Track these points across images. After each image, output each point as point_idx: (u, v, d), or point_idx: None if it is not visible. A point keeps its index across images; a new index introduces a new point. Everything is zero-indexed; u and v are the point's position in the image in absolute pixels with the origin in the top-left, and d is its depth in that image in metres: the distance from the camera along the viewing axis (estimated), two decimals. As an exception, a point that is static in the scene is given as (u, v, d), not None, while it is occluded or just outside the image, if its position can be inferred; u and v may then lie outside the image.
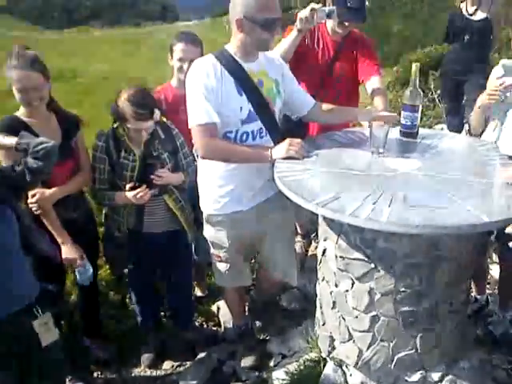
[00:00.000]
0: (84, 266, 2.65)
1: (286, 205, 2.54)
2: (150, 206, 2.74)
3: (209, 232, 2.68)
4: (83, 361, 3.02)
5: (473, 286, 2.93)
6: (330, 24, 2.97)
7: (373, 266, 2.22)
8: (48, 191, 2.53)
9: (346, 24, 2.90)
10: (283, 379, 2.66)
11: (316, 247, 3.31)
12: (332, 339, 2.55)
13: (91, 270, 2.69)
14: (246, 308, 3.21)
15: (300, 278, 3.30)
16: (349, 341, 2.44)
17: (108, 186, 2.69)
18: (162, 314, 3.33)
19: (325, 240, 2.47)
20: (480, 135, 2.75)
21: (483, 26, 4.41)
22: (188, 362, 3.11)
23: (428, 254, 2.17)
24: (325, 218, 2.37)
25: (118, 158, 2.64)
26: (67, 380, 2.75)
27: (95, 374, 3.07)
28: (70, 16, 38.35)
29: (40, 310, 2.08)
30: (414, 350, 2.32)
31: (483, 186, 2.13)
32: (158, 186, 2.69)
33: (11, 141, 2.17)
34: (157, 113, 2.58)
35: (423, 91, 3.11)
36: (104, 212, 2.92)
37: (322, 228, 2.50)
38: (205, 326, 3.43)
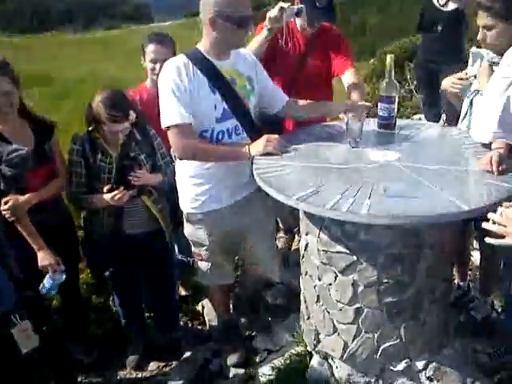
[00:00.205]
0: (60, 274, 2.60)
1: (265, 201, 2.55)
2: (129, 208, 2.71)
3: (189, 231, 2.67)
4: (67, 365, 2.99)
5: (455, 273, 2.97)
6: (300, 22, 2.96)
7: (355, 258, 2.22)
8: (22, 198, 2.49)
9: (316, 24, 2.91)
10: (270, 375, 2.66)
11: (299, 241, 3.32)
12: (317, 333, 2.56)
13: (64, 279, 2.63)
14: (231, 305, 3.20)
15: (284, 273, 3.31)
16: (334, 334, 2.45)
17: (85, 190, 2.66)
18: (147, 314, 3.30)
19: (307, 234, 2.47)
20: (456, 123, 2.78)
21: (455, 16, 4.44)
22: (174, 362, 3.09)
23: (409, 244, 2.19)
24: (306, 213, 2.37)
25: (94, 161, 2.61)
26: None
27: (79, 379, 3.03)
28: (42, 20, 37.68)
29: (18, 318, 2.04)
30: (398, 340, 2.34)
31: (461, 175, 2.15)
32: (136, 187, 2.66)
33: None
34: (132, 114, 2.56)
35: (399, 82, 3.13)
36: (82, 216, 2.88)
37: (304, 222, 2.50)
38: (190, 325, 3.42)
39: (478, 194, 2.00)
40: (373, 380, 2.41)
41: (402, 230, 2.14)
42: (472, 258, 3.16)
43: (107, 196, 2.58)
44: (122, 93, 2.62)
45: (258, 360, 2.87)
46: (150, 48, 2.96)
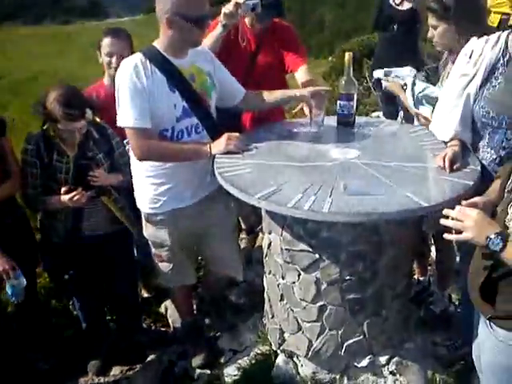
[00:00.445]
0: (17, 278, 2.49)
1: (227, 199, 2.54)
2: (89, 209, 2.65)
3: (149, 231, 2.63)
4: (25, 373, 2.89)
5: (415, 268, 3.03)
6: (249, 19, 2.93)
7: (317, 256, 2.24)
8: None
9: (265, 20, 2.88)
10: (235, 375, 2.66)
11: (262, 239, 3.32)
12: (281, 331, 2.56)
13: (25, 282, 2.53)
14: (194, 306, 3.17)
15: (247, 271, 3.31)
16: (298, 332, 2.46)
17: (40, 190, 2.58)
18: (108, 318, 3.23)
19: (269, 233, 2.47)
20: (413, 121, 2.83)
21: (409, 15, 4.53)
22: (138, 366, 3.04)
23: (370, 241, 2.21)
24: (268, 212, 2.37)
25: (50, 161, 2.53)
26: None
27: (39, 388, 2.95)
28: (-11, 13, 36.17)
29: None
30: (361, 336, 2.37)
31: (419, 172, 2.18)
32: (96, 188, 2.60)
33: None
34: (88, 112, 2.49)
35: (358, 80, 3.16)
36: (39, 218, 2.79)
37: (266, 221, 2.49)
38: (153, 327, 3.37)
39: (436, 190, 2.04)
40: (338, 377, 2.44)
41: (362, 227, 2.16)
42: (431, 254, 3.23)
43: (65, 197, 2.50)
44: (76, 89, 2.54)
45: (223, 361, 2.85)
46: (106, 41, 2.92)
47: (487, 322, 1.72)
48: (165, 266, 2.70)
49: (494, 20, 4.97)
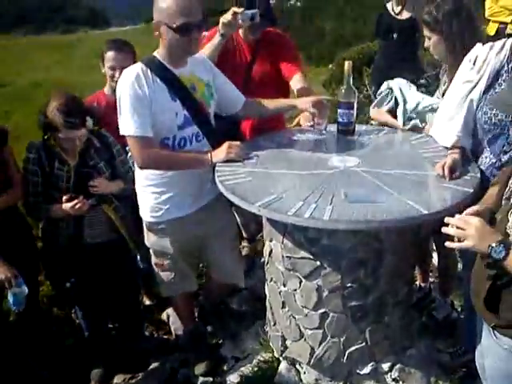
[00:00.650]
0: (19, 286, 2.50)
1: (227, 208, 2.57)
2: (90, 217, 2.66)
3: (151, 240, 2.64)
4: (27, 381, 2.89)
5: (417, 274, 3.03)
6: (242, 30, 2.93)
7: (319, 263, 2.24)
8: None
9: (259, 28, 2.87)
10: (237, 382, 2.65)
11: (263, 247, 3.33)
12: (284, 339, 2.56)
13: (26, 291, 2.53)
14: (196, 313, 3.17)
15: (249, 278, 3.31)
16: (300, 339, 2.46)
17: (42, 199, 2.59)
18: (111, 326, 3.23)
19: (270, 241, 2.48)
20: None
21: (409, 25, 4.56)
22: (140, 374, 3.04)
23: (371, 248, 2.22)
24: (269, 219, 2.38)
25: (51, 170, 2.55)
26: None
27: (41, 397, 2.95)
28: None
29: None
30: (364, 344, 2.37)
31: (420, 179, 2.19)
32: (97, 196, 2.61)
33: None
34: (89, 120, 2.51)
35: (358, 88, 3.18)
36: (40, 226, 2.80)
37: (267, 229, 2.50)
38: (155, 334, 3.36)
39: (436, 197, 2.05)
40: (340, 384, 2.44)
41: (363, 235, 2.17)
42: (433, 260, 3.23)
43: (67, 206, 2.52)
44: (76, 98, 2.57)
45: (225, 368, 2.85)
46: (109, 55, 2.94)
47: (491, 329, 1.71)
48: (166, 275, 2.70)
49: (491, 29, 4.99)
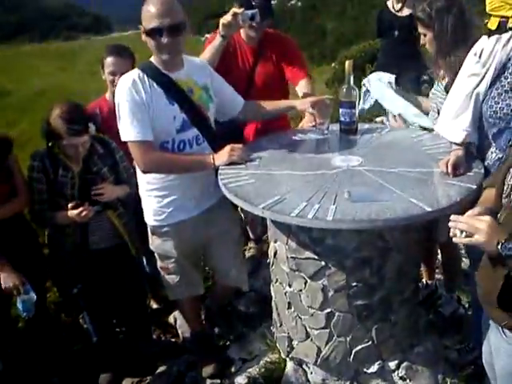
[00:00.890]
0: (27, 293, 2.52)
1: (230, 210, 2.57)
2: (95, 223, 2.66)
3: (155, 244, 2.64)
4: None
5: (422, 271, 3.02)
6: (243, 31, 2.94)
7: (323, 263, 2.24)
8: None
9: (254, 24, 2.82)
10: (245, 384, 2.65)
11: (268, 248, 3.33)
12: (290, 339, 2.56)
13: (35, 297, 2.55)
14: (203, 316, 3.18)
15: (255, 280, 3.31)
16: (306, 339, 2.46)
17: (47, 206, 2.61)
18: (118, 330, 3.24)
19: (275, 242, 2.48)
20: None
21: (410, 22, 4.54)
22: (148, 377, 3.04)
23: (376, 247, 2.22)
24: (273, 221, 2.38)
25: (55, 177, 2.56)
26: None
27: (50, 401, 2.96)
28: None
29: None
30: (370, 342, 2.37)
31: (423, 177, 2.18)
32: (101, 202, 2.62)
33: None
34: (92, 127, 2.52)
35: (361, 86, 3.17)
36: (47, 233, 2.82)
37: (272, 230, 2.51)
38: (163, 338, 3.37)
39: (440, 195, 2.04)
40: (347, 383, 2.43)
41: (367, 234, 2.16)
42: (438, 256, 3.22)
43: (72, 213, 2.53)
44: (79, 105, 2.58)
45: (233, 370, 2.85)
46: (109, 60, 2.94)
47: (500, 328, 1.70)
48: (172, 279, 2.71)
49: (492, 24, 4.96)
